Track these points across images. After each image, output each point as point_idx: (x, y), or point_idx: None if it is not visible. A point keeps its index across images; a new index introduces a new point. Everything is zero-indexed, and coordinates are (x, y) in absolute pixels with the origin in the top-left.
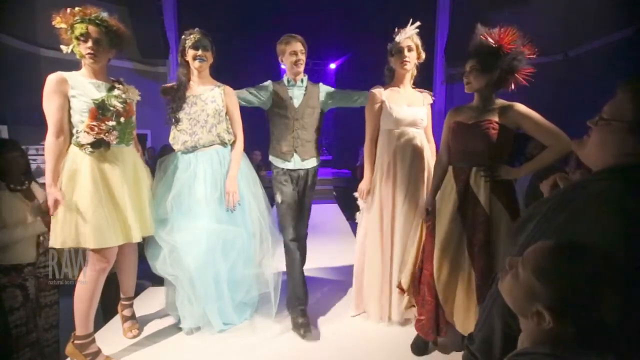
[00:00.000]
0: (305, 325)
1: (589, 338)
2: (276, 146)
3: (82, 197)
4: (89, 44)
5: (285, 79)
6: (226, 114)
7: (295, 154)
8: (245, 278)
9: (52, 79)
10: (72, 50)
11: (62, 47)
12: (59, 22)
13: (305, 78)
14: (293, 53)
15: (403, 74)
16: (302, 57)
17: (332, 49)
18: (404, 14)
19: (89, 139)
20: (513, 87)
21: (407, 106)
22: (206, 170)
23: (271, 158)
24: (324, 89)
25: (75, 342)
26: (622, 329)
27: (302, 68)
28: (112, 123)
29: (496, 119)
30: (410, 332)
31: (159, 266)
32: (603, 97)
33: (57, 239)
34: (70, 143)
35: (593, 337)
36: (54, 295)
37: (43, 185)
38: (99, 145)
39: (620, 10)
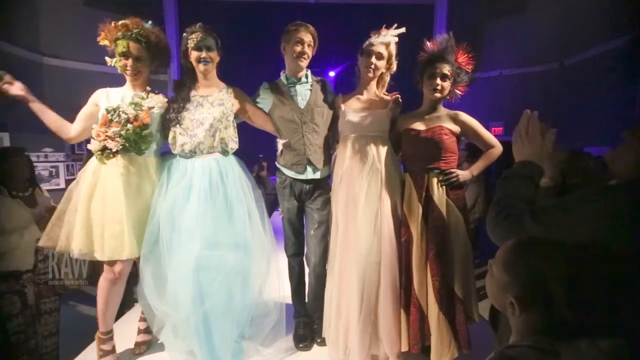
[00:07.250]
0: (303, 339)
1: (559, 328)
2: (285, 155)
3: (93, 208)
4: (130, 61)
5: (282, 77)
6: (234, 119)
7: (308, 163)
8: (243, 310)
9: (95, 93)
10: (114, 64)
11: (107, 59)
12: (103, 39)
13: (309, 73)
14: (299, 42)
15: (367, 80)
16: (308, 51)
17: (332, 57)
18: (402, 23)
19: (96, 145)
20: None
21: (365, 110)
22: (202, 182)
23: (280, 166)
24: (330, 92)
25: (98, 334)
26: (592, 316)
27: (305, 64)
28: (116, 129)
29: (445, 125)
30: None
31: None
32: (599, 105)
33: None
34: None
35: (563, 327)
36: (54, 302)
37: (48, 192)
38: (103, 152)
39: (616, 18)
